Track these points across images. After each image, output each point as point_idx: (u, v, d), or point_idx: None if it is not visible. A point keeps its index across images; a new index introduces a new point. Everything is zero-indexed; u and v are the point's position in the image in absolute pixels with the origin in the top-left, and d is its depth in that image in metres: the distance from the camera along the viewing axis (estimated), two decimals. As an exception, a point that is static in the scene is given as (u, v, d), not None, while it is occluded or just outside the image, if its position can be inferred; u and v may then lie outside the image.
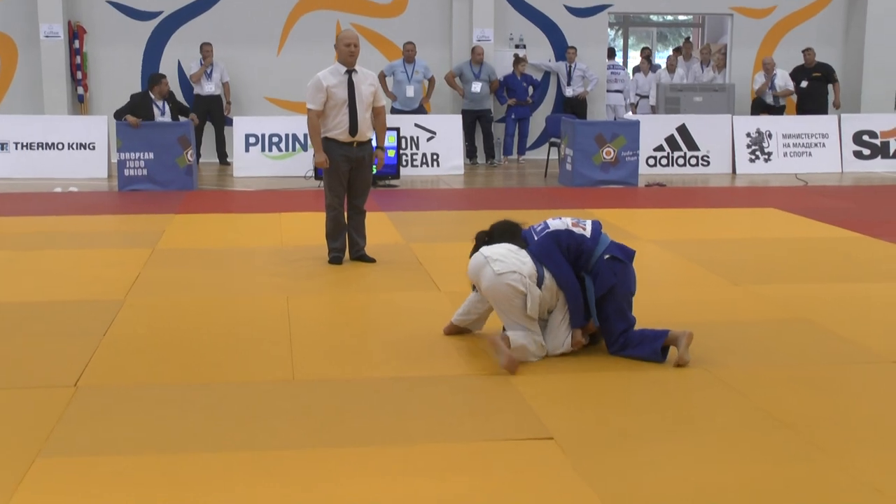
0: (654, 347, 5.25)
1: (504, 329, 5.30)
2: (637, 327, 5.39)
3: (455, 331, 5.77)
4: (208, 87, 14.88)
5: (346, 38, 7.49)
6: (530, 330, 5.24)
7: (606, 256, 5.35)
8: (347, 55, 7.46)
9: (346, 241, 7.87)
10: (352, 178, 7.66)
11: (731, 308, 6.47)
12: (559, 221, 5.46)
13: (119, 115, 12.22)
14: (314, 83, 7.48)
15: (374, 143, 7.81)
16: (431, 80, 15.10)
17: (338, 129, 7.51)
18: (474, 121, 15.42)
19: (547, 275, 5.25)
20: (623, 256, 5.44)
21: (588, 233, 5.40)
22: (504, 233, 5.53)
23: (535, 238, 5.40)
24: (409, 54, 14.77)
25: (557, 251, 5.29)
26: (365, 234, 7.87)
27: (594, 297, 5.31)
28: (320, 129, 7.56)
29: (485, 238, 5.54)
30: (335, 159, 7.56)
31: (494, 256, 5.28)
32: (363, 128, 7.55)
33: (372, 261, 7.76)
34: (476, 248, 5.49)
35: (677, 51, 17.41)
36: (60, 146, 13.61)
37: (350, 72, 7.51)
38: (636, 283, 5.51)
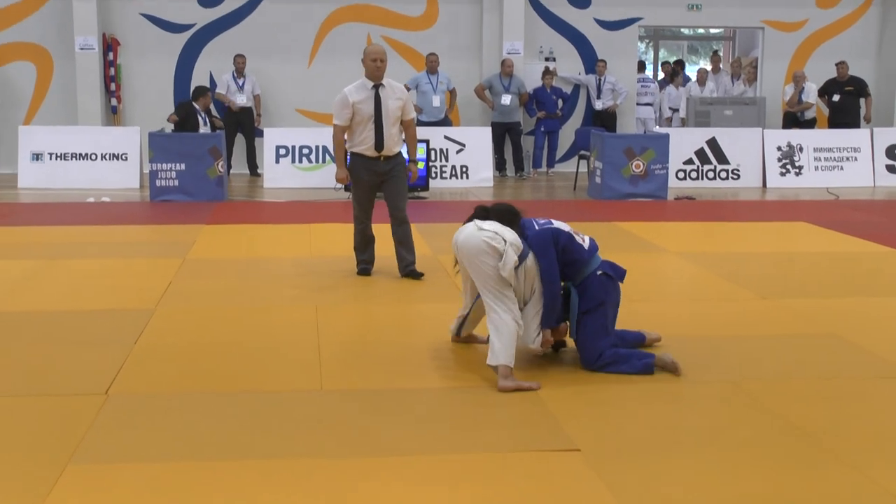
0: (647, 363, 5.25)
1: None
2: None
3: (459, 341, 5.79)
4: (239, 99, 15.01)
5: (372, 53, 7.46)
6: (507, 303, 5.08)
7: (599, 272, 5.35)
8: (374, 70, 7.43)
9: (374, 253, 7.91)
10: (385, 190, 7.68)
11: (758, 322, 6.45)
12: (563, 224, 5.46)
13: (175, 112, 12.77)
14: (340, 98, 7.47)
15: (405, 157, 7.82)
16: (453, 92, 15.18)
17: (364, 144, 7.51)
18: (504, 133, 15.46)
19: (531, 259, 5.20)
20: (614, 274, 5.43)
21: (586, 245, 5.40)
22: (503, 214, 5.39)
23: (536, 228, 5.36)
24: (432, 65, 14.87)
25: (552, 248, 5.24)
26: (412, 246, 7.79)
27: (577, 311, 5.29)
28: (344, 144, 7.60)
29: (483, 213, 5.43)
30: (361, 175, 7.59)
31: (484, 226, 5.26)
32: (389, 143, 7.53)
33: (421, 275, 7.69)
34: (470, 220, 5.42)
35: (703, 71, 17.37)
36: (94, 157, 13.78)
37: (377, 86, 7.49)
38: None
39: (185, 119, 12.75)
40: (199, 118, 12.82)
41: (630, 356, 5.30)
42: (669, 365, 5.26)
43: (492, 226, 5.25)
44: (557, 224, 5.42)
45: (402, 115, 7.61)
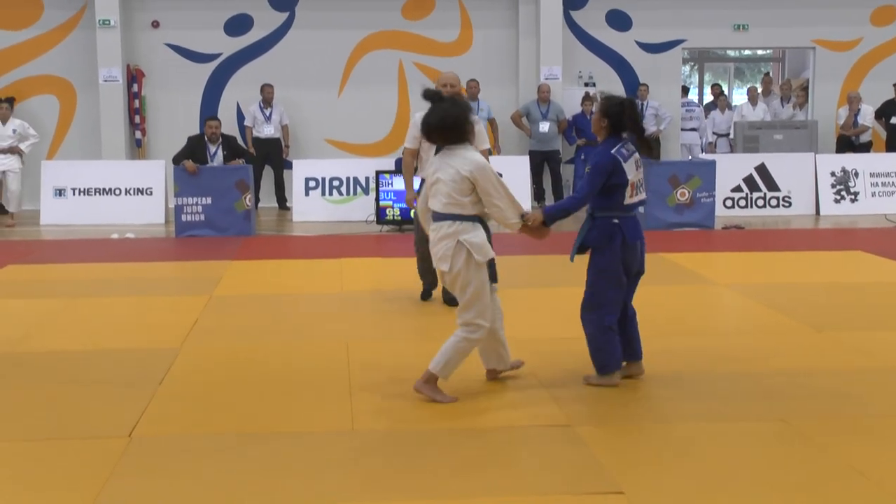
0: (618, 358, 5.66)
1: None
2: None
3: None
4: (267, 130, 15.16)
5: (443, 79, 7.81)
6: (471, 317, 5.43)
7: (616, 221, 5.61)
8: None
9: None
10: None
11: (812, 356, 6.39)
12: (631, 169, 5.56)
13: (177, 159, 12.53)
14: (412, 123, 7.83)
15: None
16: (492, 122, 15.22)
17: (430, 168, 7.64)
18: (542, 162, 15.49)
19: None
20: (627, 234, 5.64)
21: (627, 199, 5.58)
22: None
23: (605, 153, 5.55)
24: (472, 92, 14.91)
25: (601, 178, 5.52)
26: None
27: (579, 242, 5.69)
28: (412, 167, 7.99)
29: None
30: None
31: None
32: None
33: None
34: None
35: (753, 89, 17.33)
36: (117, 191, 13.97)
37: None
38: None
39: (190, 153, 12.66)
40: (208, 151, 12.85)
41: (614, 349, 5.65)
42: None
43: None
44: (628, 165, 5.53)
45: (476, 145, 7.63)
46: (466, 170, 5.33)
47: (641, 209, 5.74)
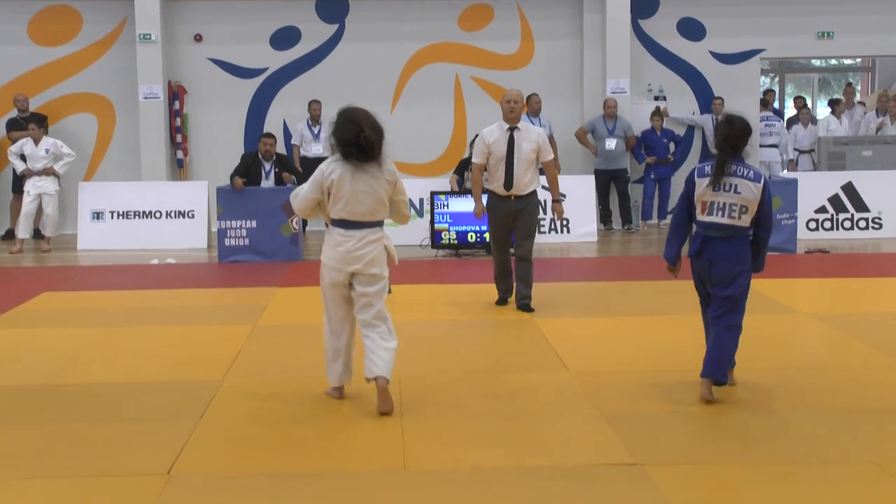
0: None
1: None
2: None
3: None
4: (315, 149, 15.25)
5: (507, 96, 8.85)
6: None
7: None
8: (508, 112, 8.78)
9: (512, 283, 9.15)
10: (515, 227, 8.94)
11: (905, 392, 6.30)
12: (708, 192, 6.05)
13: (232, 176, 12.70)
14: (479, 138, 8.99)
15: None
16: (551, 140, 15.18)
17: (497, 182, 8.84)
18: (609, 181, 15.43)
19: None
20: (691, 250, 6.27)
21: (701, 217, 6.13)
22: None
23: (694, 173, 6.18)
24: (534, 108, 14.88)
25: (684, 199, 6.23)
26: (530, 281, 9.01)
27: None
28: (481, 181, 9.14)
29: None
30: (494, 211, 8.95)
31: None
32: (520, 183, 8.78)
33: (532, 310, 8.86)
34: None
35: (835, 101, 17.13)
36: (158, 215, 14.14)
37: (512, 129, 8.79)
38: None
39: (244, 174, 12.81)
40: (263, 169, 12.99)
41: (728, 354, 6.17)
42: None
43: None
44: (701, 190, 6.07)
45: (540, 157, 8.86)
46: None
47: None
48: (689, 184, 6.17)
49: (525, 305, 8.94)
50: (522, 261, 8.99)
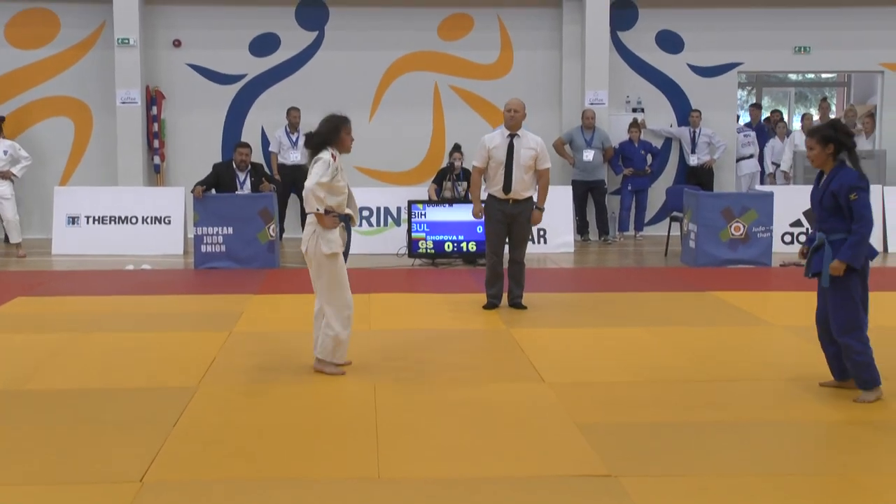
0: (874, 376, 6.31)
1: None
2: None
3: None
4: (293, 156, 15.23)
5: (507, 104, 9.34)
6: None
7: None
8: (508, 119, 9.28)
9: (503, 289, 9.56)
10: (510, 232, 9.40)
11: (875, 408, 6.31)
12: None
13: (197, 184, 12.62)
14: (480, 142, 9.49)
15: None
16: None
17: (495, 186, 9.33)
18: (586, 193, 15.48)
19: None
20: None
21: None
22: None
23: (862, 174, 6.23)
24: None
25: None
26: (522, 282, 9.56)
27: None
28: (480, 184, 9.56)
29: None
30: (492, 213, 9.37)
31: None
32: (518, 187, 9.26)
33: (524, 308, 9.44)
34: None
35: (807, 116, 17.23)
36: (134, 220, 14.06)
37: (512, 135, 9.28)
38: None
39: (215, 181, 12.76)
40: (237, 179, 12.91)
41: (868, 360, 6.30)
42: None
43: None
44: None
45: (537, 165, 9.31)
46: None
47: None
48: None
49: (517, 304, 9.51)
50: (517, 264, 9.50)
